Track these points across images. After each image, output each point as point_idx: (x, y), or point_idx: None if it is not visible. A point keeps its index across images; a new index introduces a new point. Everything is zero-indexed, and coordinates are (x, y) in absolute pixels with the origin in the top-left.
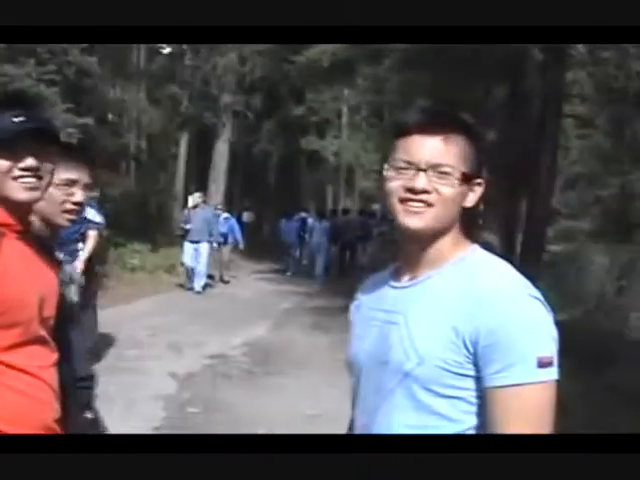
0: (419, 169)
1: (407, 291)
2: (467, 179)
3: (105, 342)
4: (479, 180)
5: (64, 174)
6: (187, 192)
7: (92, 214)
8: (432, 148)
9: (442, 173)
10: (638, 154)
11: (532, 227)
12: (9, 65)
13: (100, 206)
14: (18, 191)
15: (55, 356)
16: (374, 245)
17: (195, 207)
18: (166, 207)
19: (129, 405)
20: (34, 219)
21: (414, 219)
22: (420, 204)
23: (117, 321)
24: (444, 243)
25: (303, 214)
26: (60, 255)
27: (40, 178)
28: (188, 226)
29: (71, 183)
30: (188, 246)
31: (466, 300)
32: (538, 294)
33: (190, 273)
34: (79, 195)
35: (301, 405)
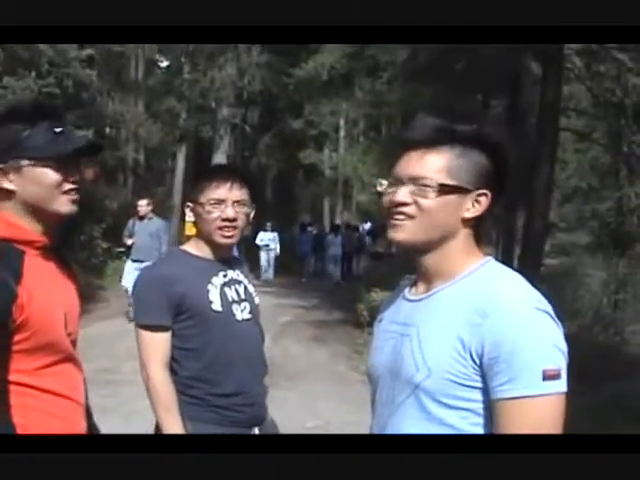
0: (401, 183)
1: (420, 304)
2: (454, 190)
3: (102, 355)
4: (482, 191)
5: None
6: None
7: None
8: (414, 161)
9: (421, 185)
10: (635, 168)
11: (529, 241)
12: (9, 77)
13: None
14: (66, 205)
15: (82, 374)
16: (366, 258)
17: (142, 218)
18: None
19: (128, 417)
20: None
21: (395, 232)
22: (401, 217)
23: (115, 333)
24: (450, 255)
25: (309, 228)
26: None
27: (80, 191)
28: (130, 241)
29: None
30: (129, 266)
31: (473, 312)
32: (547, 307)
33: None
34: (230, 212)
35: (301, 417)
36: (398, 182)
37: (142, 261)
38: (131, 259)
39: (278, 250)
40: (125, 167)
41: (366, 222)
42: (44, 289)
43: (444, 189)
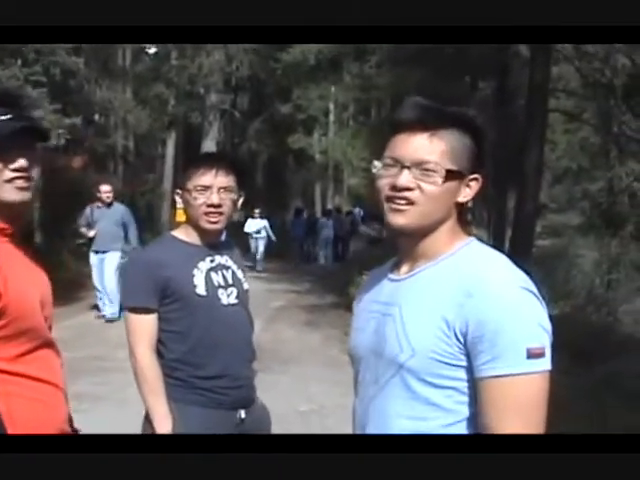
0: (403, 166)
1: (403, 283)
2: (456, 176)
3: (95, 342)
4: (474, 176)
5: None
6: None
7: None
8: (417, 145)
9: (426, 170)
10: (625, 148)
11: (520, 222)
12: None
13: None
14: (11, 193)
15: (60, 358)
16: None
17: (108, 204)
18: (154, 207)
19: (121, 404)
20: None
21: (397, 217)
22: (403, 202)
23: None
24: (439, 236)
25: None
26: None
27: (29, 179)
28: (92, 232)
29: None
30: (94, 258)
31: (457, 291)
32: (531, 286)
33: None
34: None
35: (294, 401)
36: (398, 165)
37: (106, 251)
38: (94, 250)
39: (273, 237)
40: (115, 154)
41: (355, 207)
42: (19, 275)
43: (449, 175)
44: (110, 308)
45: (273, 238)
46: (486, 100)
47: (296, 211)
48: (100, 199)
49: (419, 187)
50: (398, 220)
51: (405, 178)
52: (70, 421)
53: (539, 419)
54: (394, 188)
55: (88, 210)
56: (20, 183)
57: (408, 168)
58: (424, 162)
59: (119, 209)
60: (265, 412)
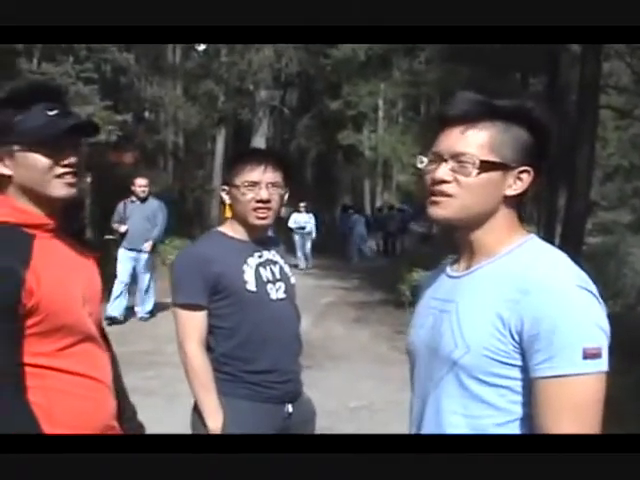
0: (442, 160)
1: (461, 280)
2: (496, 167)
3: (145, 336)
4: (524, 168)
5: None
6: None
7: None
8: (455, 138)
9: (461, 162)
10: None
11: (571, 220)
12: (47, 63)
13: None
14: (60, 188)
15: (107, 353)
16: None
17: (143, 200)
18: (204, 203)
19: (171, 398)
20: None
21: (436, 210)
22: (440, 194)
23: (156, 316)
24: (493, 232)
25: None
26: None
27: (76, 174)
28: (123, 228)
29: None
30: (124, 255)
31: (513, 289)
32: (590, 286)
33: (125, 292)
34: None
35: (344, 398)
36: (438, 159)
37: (139, 251)
38: (125, 247)
39: (314, 233)
40: (165, 151)
41: (403, 204)
42: (57, 271)
43: (485, 166)
44: (143, 306)
45: (313, 235)
46: (537, 97)
47: (343, 208)
48: (134, 193)
49: (456, 179)
50: (437, 213)
51: (442, 171)
52: (120, 416)
53: (594, 420)
54: (433, 181)
55: (121, 205)
56: (69, 179)
57: (446, 161)
58: (459, 154)
59: (152, 204)
60: (311, 406)
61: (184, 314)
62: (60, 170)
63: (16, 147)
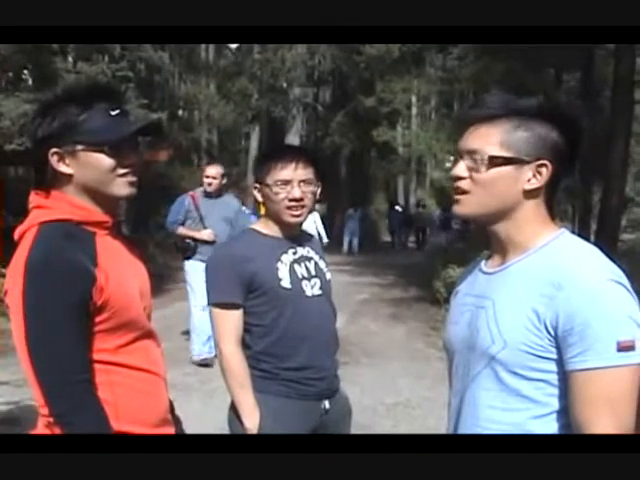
0: (460, 157)
1: (495, 276)
2: (508, 162)
3: (183, 333)
4: (541, 162)
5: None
6: None
7: None
8: (470, 135)
9: (473, 158)
10: None
11: (606, 216)
12: (82, 62)
13: None
14: (123, 188)
15: (160, 348)
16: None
17: (217, 195)
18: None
19: (210, 394)
20: None
21: (457, 206)
22: (459, 190)
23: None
24: (519, 227)
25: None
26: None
27: (136, 173)
28: (207, 234)
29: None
30: (195, 267)
31: (547, 284)
32: (622, 279)
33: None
34: (296, 192)
35: (380, 394)
36: (458, 156)
37: None
38: (200, 260)
39: (324, 237)
40: (199, 148)
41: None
42: (118, 268)
43: (495, 161)
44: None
45: (325, 239)
46: (571, 91)
47: (391, 204)
48: (206, 186)
49: (471, 176)
50: (457, 209)
51: (458, 168)
52: (172, 409)
53: (629, 412)
54: (453, 179)
55: (186, 201)
56: (130, 178)
57: (462, 158)
58: (472, 151)
59: (232, 203)
60: (347, 402)
61: (220, 313)
62: (123, 170)
63: (79, 147)
